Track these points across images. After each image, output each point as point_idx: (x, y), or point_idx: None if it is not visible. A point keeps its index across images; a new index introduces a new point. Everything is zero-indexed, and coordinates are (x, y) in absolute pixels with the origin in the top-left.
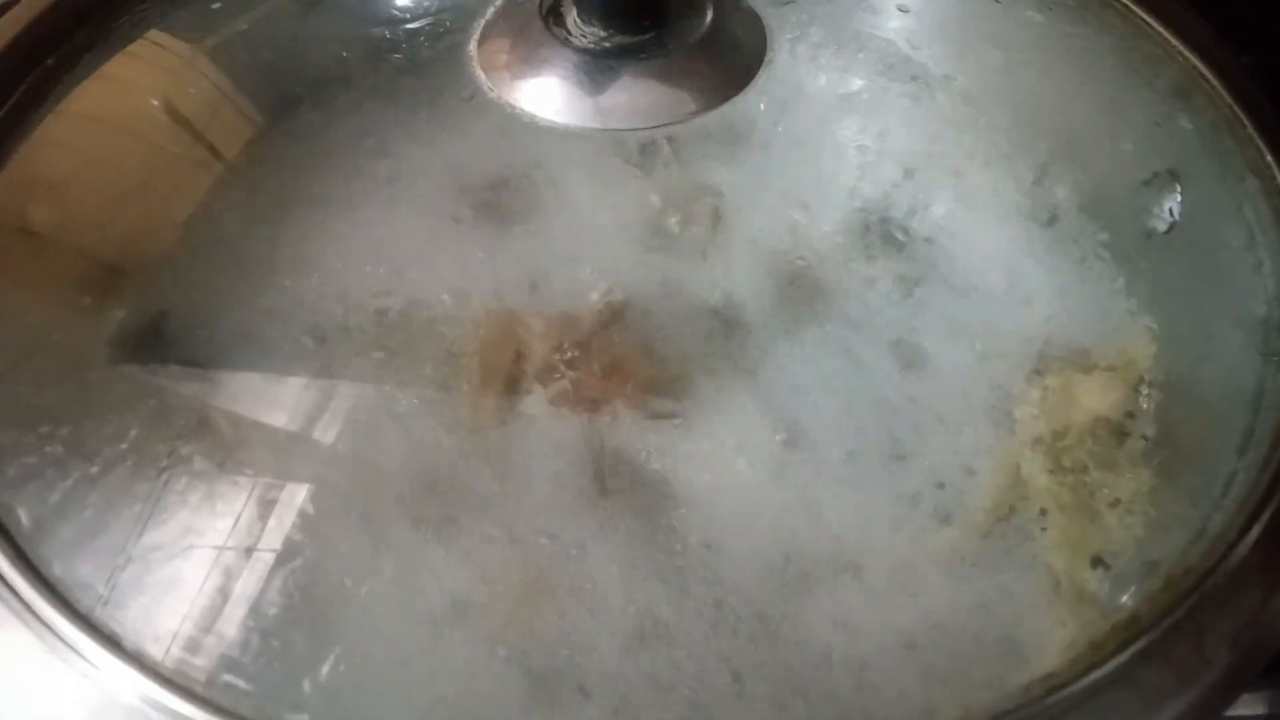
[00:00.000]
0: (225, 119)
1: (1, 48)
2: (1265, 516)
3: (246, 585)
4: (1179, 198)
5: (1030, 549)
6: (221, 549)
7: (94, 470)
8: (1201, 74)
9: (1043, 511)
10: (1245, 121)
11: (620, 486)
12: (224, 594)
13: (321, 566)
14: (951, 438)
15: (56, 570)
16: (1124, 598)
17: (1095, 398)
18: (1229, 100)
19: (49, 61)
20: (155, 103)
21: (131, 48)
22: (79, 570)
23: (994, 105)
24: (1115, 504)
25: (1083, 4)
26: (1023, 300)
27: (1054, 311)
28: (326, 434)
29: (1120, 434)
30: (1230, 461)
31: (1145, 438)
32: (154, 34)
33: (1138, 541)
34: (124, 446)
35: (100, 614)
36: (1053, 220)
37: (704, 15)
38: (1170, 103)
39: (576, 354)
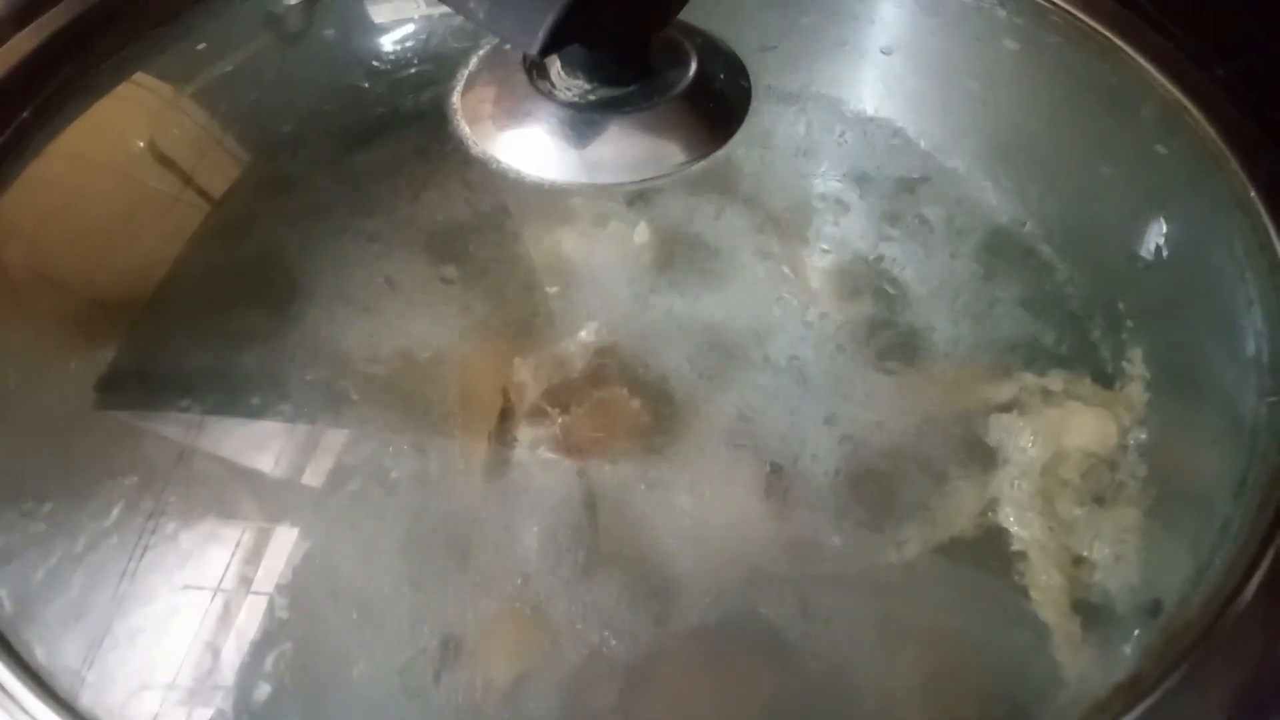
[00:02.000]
0: (209, 167)
1: None
2: (1265, 565)
3: (232, 665)
4: (1166, 234)
5: (1024, 599)
6: (205, 627)
7: (77, 549)
8: (1185, 107)
9: (1034, 558)
10: (1230, 156)
11: (611, 532)
12: (210, 674)
13: (310, 642)
14: (941, 483)
15: (39, 655)
16: (1125, 650)
17: (1085, 438)
18: (1213, 134)
19: (29, 110)
20: (140, 145)
21: (117, 90)
22: (62, 654)
23: (979, 144)
24: (1109, 550)
25: (1064, 38)
26: (1010, 339)
27: (1043, 351)
28: (313, 494)
29: (1112, 475)
30: (1226, 505)
31: (1136, 478)
32: (140, 77)
33: (1134, 590)
34: (106, 523)
35: (84, 701)
36: (1039, 259)
37: (688, 65)
38: (1154, 137)
39: (565, 405)
